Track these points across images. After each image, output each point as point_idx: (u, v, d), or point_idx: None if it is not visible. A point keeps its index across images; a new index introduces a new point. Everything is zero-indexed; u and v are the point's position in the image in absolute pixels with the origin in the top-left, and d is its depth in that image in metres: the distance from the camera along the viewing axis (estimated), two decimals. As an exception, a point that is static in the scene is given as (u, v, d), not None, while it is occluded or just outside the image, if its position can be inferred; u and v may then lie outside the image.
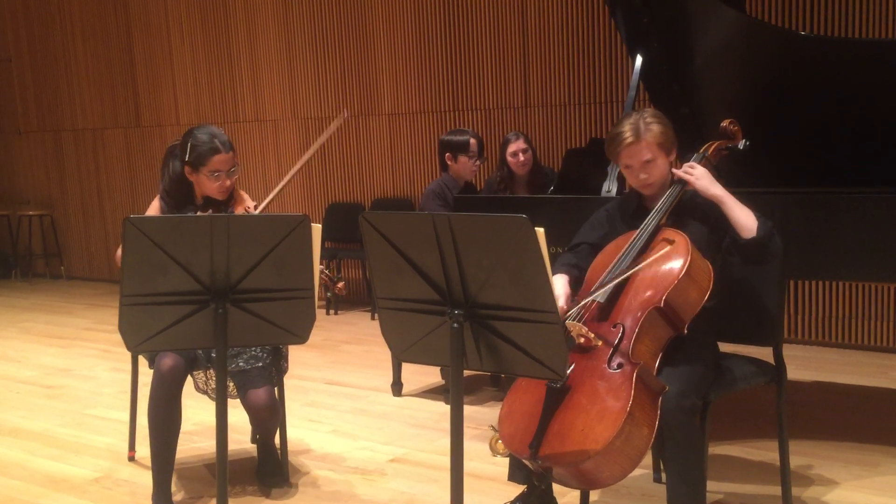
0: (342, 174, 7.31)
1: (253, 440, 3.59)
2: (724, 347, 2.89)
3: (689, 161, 2.81)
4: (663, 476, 3.18)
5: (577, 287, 2.75)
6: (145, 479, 3.23)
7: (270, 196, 3.22)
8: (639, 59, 3.98)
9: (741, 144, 2.97)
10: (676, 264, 2.55)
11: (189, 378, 3.23)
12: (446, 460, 2.16)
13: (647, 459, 3.07)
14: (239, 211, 3.19)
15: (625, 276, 2.58)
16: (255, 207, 3.23)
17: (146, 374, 3.17)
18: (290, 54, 7.37)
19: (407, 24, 6.72)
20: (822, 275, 3.90)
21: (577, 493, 2.94)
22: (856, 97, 3.49)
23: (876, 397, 4.34)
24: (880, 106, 3.45)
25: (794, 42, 3.76)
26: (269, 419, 3.23)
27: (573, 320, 2.54)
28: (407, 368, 4.59)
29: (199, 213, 3.16)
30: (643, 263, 2.57)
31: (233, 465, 3.42)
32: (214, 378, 3.22)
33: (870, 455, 3.47)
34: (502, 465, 2.76)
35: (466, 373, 2.42)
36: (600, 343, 2.50)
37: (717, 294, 2.63)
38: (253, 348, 3.18)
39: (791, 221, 3.27)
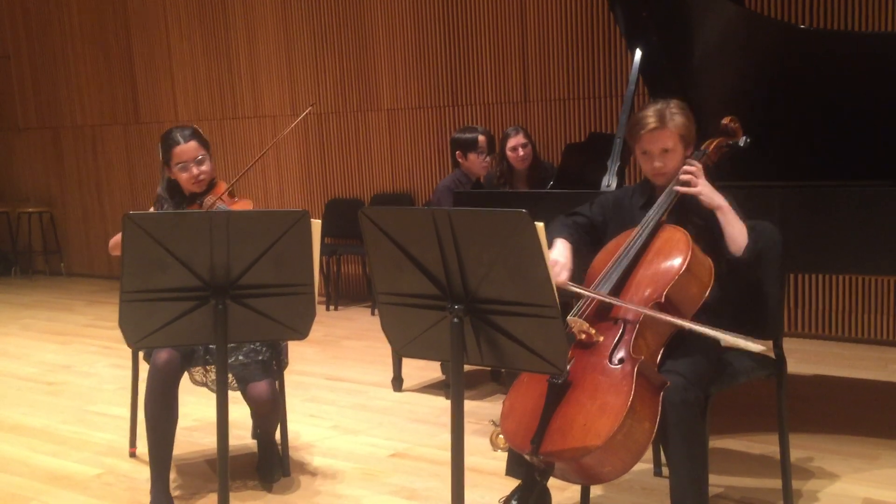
0: (342, 170, 7.30)
1: (254, 435, 3.60)
2: (725, 341, 2.89)
3: (689, 159, 2.80)
4: (664, 470, 3.20)
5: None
6: (146, 475, 3.23)
7: (236, 179, 3.45)
8: (638, 54, 3.98)
9: (742, 142, 2.96)
10: (677, 260, 2.56)
11: (186, 374, 3.24)
12: (447, 455, 2.16)
13: (648, 454, 3.08)
14: (209, 200, 3.26)
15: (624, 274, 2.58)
16: (228, 193, 3.34)
17: (146, 371, 3.18)
18: (288, 50, 7.36)
19: (406, 19, 6.72)
20: (822, 268, 3.90)
21: (578, 488, 2.94)
22: (856, 90, 3.49)
23: (876, 390, 4.34)
24: (880, 99, 3.45)
25: (794, 35, 3.76)
26: (270, 412, 3.25)
27: (574, 316, 2.55)
28: (407, 364, 4.59)
29: (187, 209, 3.19)
30: (644, 260, 2.57)
31: (234, 460, 3.42)
32: (214, 371, 3.22)
33: (869, 448, 3.47)
34: (503, 459, 2.76)
35: (467, 368, 2.42)
36: (602, 339, 2.50)
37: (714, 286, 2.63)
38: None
39: (791, 215, 3.27)
